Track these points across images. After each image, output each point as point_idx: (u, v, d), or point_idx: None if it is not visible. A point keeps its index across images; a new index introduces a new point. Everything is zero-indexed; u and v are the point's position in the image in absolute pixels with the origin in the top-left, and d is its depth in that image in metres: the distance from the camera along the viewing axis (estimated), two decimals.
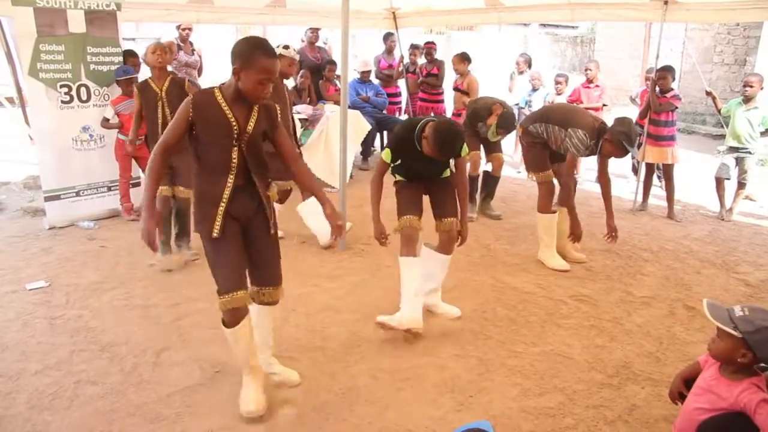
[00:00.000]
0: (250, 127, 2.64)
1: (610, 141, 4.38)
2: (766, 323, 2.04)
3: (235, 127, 2.60)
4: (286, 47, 4.77)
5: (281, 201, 4.95)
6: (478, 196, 6.21)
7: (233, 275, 2.67)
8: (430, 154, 3.34)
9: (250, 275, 2.85)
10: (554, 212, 4.81)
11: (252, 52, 2.51)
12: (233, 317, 2.71)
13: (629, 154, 4.59)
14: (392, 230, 3.60)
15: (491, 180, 6.23)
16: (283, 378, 3.10)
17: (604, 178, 4.64)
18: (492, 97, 5.87)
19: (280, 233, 5.24)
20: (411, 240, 3.54)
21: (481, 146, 5.99)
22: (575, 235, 4.72)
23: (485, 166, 6.22)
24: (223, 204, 2.63)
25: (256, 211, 2.77)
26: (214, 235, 2.62)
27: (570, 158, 4.59)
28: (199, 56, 7.28)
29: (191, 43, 7.12)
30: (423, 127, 3.36)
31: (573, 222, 4.69)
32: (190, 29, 7.07)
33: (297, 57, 4.92)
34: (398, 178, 3.67)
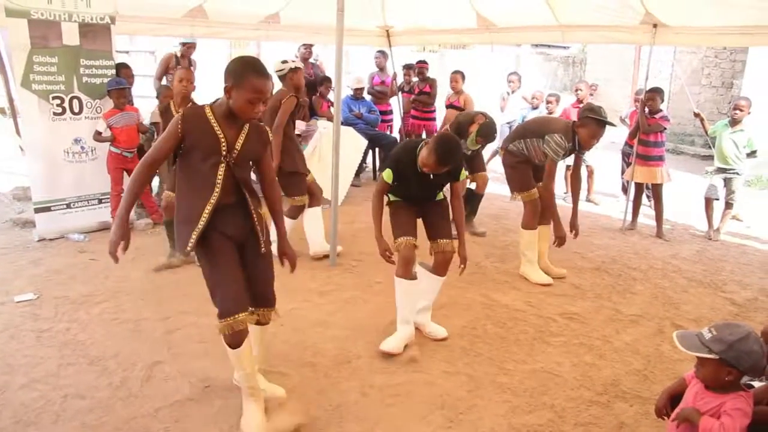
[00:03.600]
0: (238, 145, 2.63)
1: (582, 125, 4.51)
2: (735, 336, 2.08)
3: (224, 144, 2.59)
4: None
5: (294, 216, 5.01)
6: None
7: (232, 297, 2.63)
8: (427, 165, 3.34)
9: (251, 296, 2.82)
10: (536, 228, 4.89)
11: (244, 72, 2.53)
12: (234, 340, 2.65)
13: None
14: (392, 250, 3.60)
15: (475, 198, 6.28)
16: (269, 394, 3.07)
17: (577, 180, 4.90)
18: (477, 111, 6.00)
19: (325, 250, 5.29)
20: (409, 261, 3.54)
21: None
22: (559, 237, 4.70)
23: (470, 184, 6.28)
24: (202, 222, 2.59)
25: (251, 231, 2.76)
26: (188, 248, 2.60)
27: (549, 167, 4.64)
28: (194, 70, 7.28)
29: (190, 61, 7.06)
30: (422, 147, 3.41)
31: (556, 225, 4.69)
32: (193, 48, 6.99)
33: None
34: (392, 198, 3.70)
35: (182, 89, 4.82)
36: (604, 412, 3.11)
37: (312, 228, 5.13)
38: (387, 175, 3.52)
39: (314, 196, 5.17)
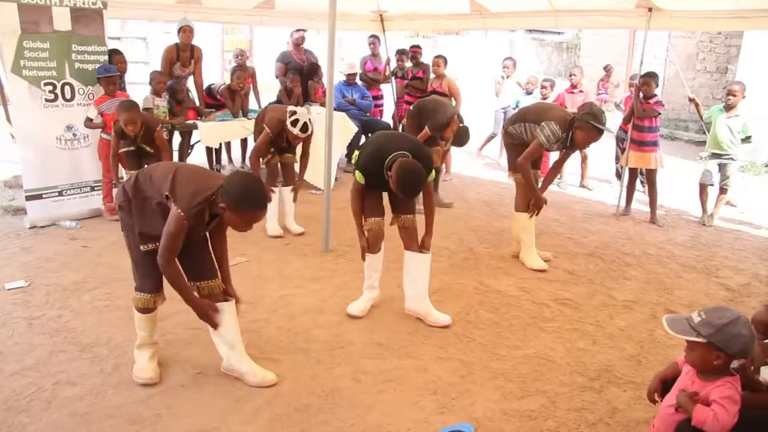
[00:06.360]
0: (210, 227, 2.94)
1: (580, 127, 4.49)
2: (723, 320, 2.08)
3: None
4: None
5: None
6: None
7: (150, 278, 3.02)
8: (393, 190, 3.59)
9: (185, 272, 2.96)
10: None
11: (246, 205, 2.69)
12: (145, 311, 3.09)
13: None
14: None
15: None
16: (259, 379, 3.09)
17: (557, 169, 5.05)
18: (452, 107, 6.10)
19: (279, 232, 5.32)
20: (377, 239, 3.90)
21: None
22: (536, 203, 4.79)
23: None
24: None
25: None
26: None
27: (532, 147, 4.64)
28: None
29: (192, 50, 6.81)
30: (390, 163, 3.54)
31: (530, 190, 4.78)
32: (189, 32, 6.71)
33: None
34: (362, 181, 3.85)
35: (130, 132, 4.95)
36: (597, 398, 3.12)
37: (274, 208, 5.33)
38: (359, 176, 3.75)
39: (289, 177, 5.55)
